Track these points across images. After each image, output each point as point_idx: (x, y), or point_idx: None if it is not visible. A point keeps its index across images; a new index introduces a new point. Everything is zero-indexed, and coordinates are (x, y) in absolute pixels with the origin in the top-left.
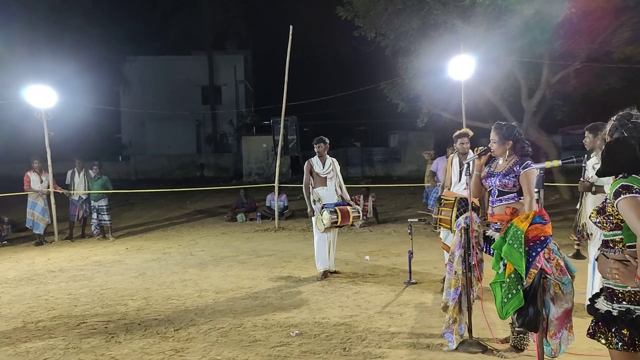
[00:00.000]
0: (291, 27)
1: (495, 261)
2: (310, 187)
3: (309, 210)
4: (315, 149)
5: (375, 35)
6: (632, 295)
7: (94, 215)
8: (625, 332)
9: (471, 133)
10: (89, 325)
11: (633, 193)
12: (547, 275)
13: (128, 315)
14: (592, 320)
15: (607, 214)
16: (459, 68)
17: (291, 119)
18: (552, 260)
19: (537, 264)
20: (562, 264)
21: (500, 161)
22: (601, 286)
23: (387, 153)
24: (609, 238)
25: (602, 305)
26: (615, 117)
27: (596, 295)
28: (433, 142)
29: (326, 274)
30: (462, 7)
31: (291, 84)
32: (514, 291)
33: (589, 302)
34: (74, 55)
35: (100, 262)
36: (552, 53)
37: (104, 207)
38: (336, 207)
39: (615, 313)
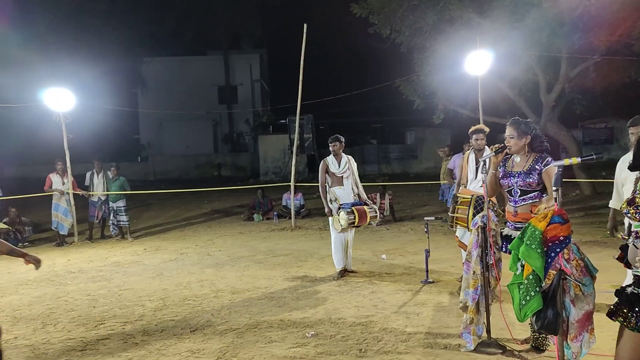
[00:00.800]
0: (305, 25)
1: (512, 262)
2: (327, 187)
3: (326, 210)
4: (331, 148)
5: (390, 32)
6: None
7: (112, 216)
8: None
9: (487, 129)
10: (107, 326)
11: None
12: (567, 277)
13: (145, 316)
14: (615, 302)
15: (637, 204)
16: (475, 63)
17: (307, 118)
18: (572, 260)
19: (557, 265)
20: (583, 264)
21: (518, 159)
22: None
23: (403, 150)
24: (638, 229)
25: (630, 289)
26: None
27: (628, 285)
28: (450, 138)
29: (343, 273)
30: (478, 1)
31: (307, 82)
32: (532, 293)
33: (619, 288)
34: (91, 58)
35: (119, 263)
36: (570, 46)
37: (122, 208)
38: (353, 207)
39: None
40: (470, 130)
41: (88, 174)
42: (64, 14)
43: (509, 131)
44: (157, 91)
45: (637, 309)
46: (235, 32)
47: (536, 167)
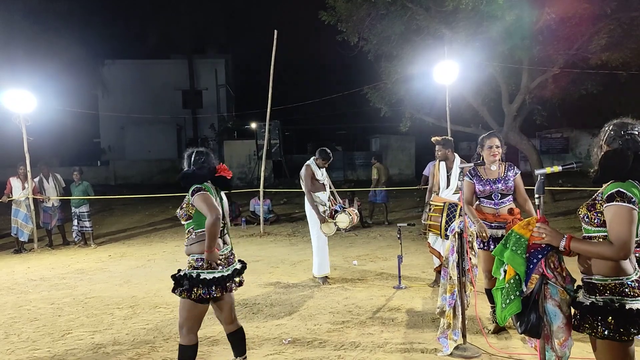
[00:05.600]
0: (275, 31)
1: (496, 267)
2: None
3: (320, 217)
4: (323, 164)
5: (358, 40)
6: (612, 288)
7: (75, 222)
8: (610, 321)
9: (442, 139)
10: (74, 336)
11: (624, 202)
12: (549, 281)
13: (115, 325)
14: (575, 314)
15: (597, 210)
16: (443, 73)
17: (274, 123)
18: (557, 269)
19: (539, 270)
20: (566, 271)
21: (494, 167)
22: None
23: (368, 157)
24: (592, 234)
25: (585, 298)
26: (610, 125)
27: (579, 287)
28: (414, 146)
29: (326, 279)
30: (444, 12)
31: (274, 87)
32: (512, 297)
33: (573, 300)
34: (50, 59)
35: (83, 270)
36: (531, 58)
37: (85, 214)
38: (347, 209)
39: (600, 304)
40: (433, 140)
41: (36, 180)
42: (21, 13)
43: (496, 142)
44: (119, 94)
45: (600, 318)
46: (200, 36)
47: (509, 174)
